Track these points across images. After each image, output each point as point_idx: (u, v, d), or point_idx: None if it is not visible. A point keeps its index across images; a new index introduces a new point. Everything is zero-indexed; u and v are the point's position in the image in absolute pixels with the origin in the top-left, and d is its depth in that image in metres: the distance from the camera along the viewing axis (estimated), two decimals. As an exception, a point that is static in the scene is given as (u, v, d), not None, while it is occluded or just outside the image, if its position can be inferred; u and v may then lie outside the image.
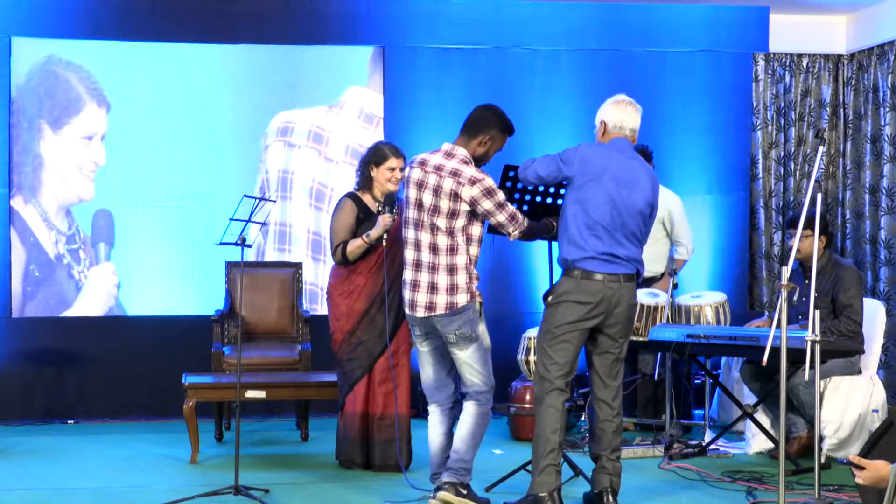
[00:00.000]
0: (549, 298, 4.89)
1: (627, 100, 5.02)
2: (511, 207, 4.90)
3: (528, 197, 5.25)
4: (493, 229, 5.02)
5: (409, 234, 4.95)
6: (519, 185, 5.20)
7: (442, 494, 4.87)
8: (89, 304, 7.50)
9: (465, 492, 4.91)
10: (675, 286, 6.71)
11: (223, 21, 7.55)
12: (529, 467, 5.14)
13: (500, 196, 4.85)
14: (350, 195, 5.80)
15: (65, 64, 7.46)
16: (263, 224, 5.36)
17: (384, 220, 5.48)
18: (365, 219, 5.70)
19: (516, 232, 4.94)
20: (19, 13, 7.40)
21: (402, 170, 5.68)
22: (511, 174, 5.22)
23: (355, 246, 5.63)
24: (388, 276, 5.56)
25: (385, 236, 5.50)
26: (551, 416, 4.79)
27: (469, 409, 4.98)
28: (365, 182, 5.78)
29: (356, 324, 5.71)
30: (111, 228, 7.53)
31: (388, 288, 5.59)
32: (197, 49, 7.57)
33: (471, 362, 4.92)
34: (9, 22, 7.38)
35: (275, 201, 5.70)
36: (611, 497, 4.88)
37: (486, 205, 4.81)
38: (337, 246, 5.70)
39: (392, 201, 5.57)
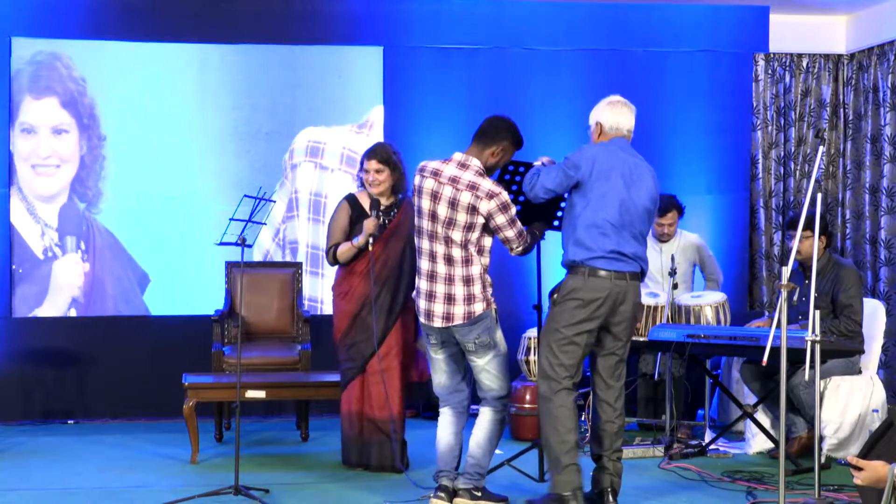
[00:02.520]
0: (556, 296, 4.89)
1: (621, 100, 5.00)
2: (519, 224, 4.91)
3: (521, 198, 5.23)
4: None
5: (424, 244, 4.93)
6: (517, 178, 5.17)
7: (458, 501, 4.91)
8: (55, 297, 7.45)
9: (479, 494, 4.93)
10: (676, 286, 6.71)
11: (223, 21, 7.55)
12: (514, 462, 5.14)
13: (513, 211, 4.86)
14: (348, 196, 5.88)
15: (63, 62, 7.45)
16: (263, 224, 5.36)
17: (368, 225, 5.56)
18: (359, 219, 5.74)
19: (520, 248, 4.95)
20: (19, 13, 7.40)
21: (377, 171, 5.70)
22: (510, 168, 5.21)
23: (343, 249, 5.71)
24: (373, 279, 5.59)
25: (371, 240, 5.56)
26: (564, 415, 4.79)
27: (486, 415, 4.99)
28: (363, 183, 5.87)
29: (349, 325, 5.75)
30: (80, 221, 7.49)
31: (378, 292, 5.64)
32: (197, 49, 7.57)
33: (489, 369, 4.93)
34: (9, 22, 7.38)
35: (275, 202, 5.70)
36: (611, 497, 4.88)
37: (500, 219, 4.82)
38: (330, 248, 5.77)
39: (378, 205, 5.63)
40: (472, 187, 4.81)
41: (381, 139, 7.56)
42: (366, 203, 5.75)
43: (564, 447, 4.76)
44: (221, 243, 5.30)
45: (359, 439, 5.76)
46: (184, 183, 7.58)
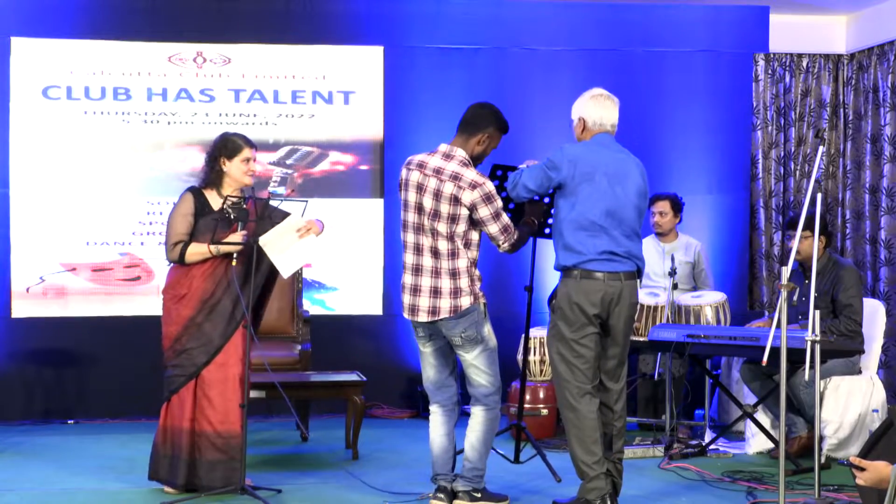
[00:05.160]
0: (554, 302, 4.88)
1: (604, 93, 4.91)
2: (505, 218, 4.84)
3: (511, 205, 5.20)
4: None
5: (409, 237, 4.90)
6: (505, 184, 5.15)
7: (458, 503, 4.91)
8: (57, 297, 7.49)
9: (479, 496, 4.93)
10: (676, 286, 6.71)
11: (223, 21, 7.55)
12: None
13: (498, 204, 4.81)
14: (191, 189, 5.36)
15: (65, 64, 7.47)
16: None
17: (239, 237, 5.17)
18: (202, 214, 5.27)
19: (506, 245, 4.89)
20: (19, 13, 7.40)
21: (255, 160, 5.35)
22: (499, 173, 5.19)
23: (198, 252, 5.22)
24: (241, 295, 5.16)
25: (235, 255, 5.17)
26: (590, 426, 4.77)
27: (478, 416, 4.97)
28: (215, 177, 5.32)
29: (181, 330, 5.28)
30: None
31: (220, 298, 5.24)
32: (196, 49, 7.57)
33: (477, 364, 4.90)
34: (9, 22, 7.38)
35: (307, 201, 5.62)
36: (611, 498, 4.88)
37: (483, 212, 4.78)
38: (176, 244, 5.24)
39: (246, 215, 5.19)
40: (455, 177, 4.78)
41: (380, 138, 7.58)
42: (216, 199, 5.28)
43: (591, 458, 4.75)
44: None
45: (187, 457, 5.24)
46: (183, 182, 7.57)
